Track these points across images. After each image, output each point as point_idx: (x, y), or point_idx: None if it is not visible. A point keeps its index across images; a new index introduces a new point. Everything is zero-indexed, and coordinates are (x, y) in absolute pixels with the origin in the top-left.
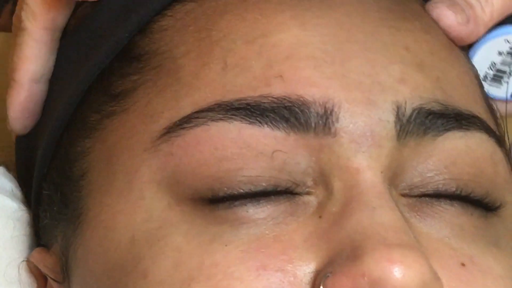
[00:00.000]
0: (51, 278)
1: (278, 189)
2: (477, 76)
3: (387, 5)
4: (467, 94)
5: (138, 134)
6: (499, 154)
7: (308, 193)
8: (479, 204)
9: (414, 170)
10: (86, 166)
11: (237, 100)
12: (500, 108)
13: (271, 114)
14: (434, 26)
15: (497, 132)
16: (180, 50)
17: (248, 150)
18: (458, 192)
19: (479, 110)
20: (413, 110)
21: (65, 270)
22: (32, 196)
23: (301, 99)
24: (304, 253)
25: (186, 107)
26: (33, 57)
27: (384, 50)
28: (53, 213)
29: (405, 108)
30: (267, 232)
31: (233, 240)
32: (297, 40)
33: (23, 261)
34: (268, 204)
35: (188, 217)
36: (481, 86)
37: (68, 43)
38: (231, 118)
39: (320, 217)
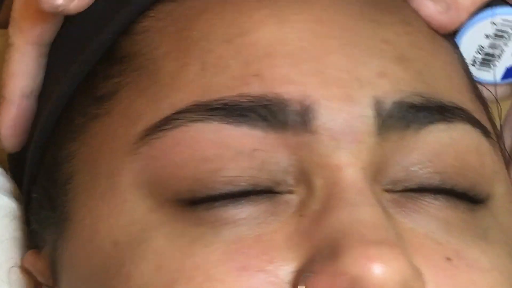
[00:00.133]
0: (42, 282)
1: (259, 188)
2: (464, 65)
3: None
4: (451, 85)
5: (119, 137)
6: (485, 145)
7: (289, 192)
8: (464, 197)
9: (397, 164)
10: (72, 170)
11: (215, 100)
12: (493, 92)
13: (249, 113)
14: (416, 17)
15: (483, 123)
16: (160, 51)
17: (227, 150)
18: (443, 185)
19: (464, 100)
20: (394, 104)
21: (54, 274)
22: (23, 200)
23: (279, 97)
24: (285, 253)
25: (165, 109)
26: (21, 73)
27: (363, 45)
28: (42, 217)
29: (385, 103)
30: (248, 232)
31: (214, 242)
32: (275, 38)
33: (12, 267)
34: (249, 204)
35: (169, 219)
36: (468, 75)
37: (54, 45)
38: (209, 118)
39: (301, 215)
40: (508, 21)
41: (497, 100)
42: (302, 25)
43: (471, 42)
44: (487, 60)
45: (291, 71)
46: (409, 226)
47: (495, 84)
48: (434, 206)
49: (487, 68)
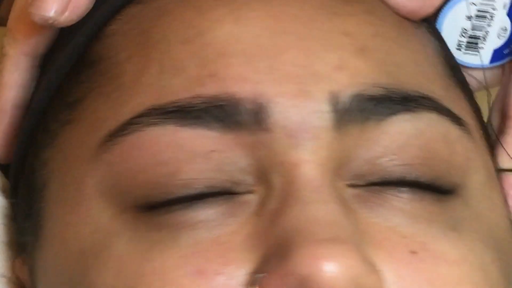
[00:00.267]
0: None
1: (216, 190)
2: (442, 51)
3: None
4: (419, 74)
5: (85, 144)
6: (455, 133)
7: (249, 192)
8: (431, 188)
9: (360, 158)
10: (46, 177)
11: (171, 103)
12: (480, 78)
13: (204, 115)
14: (381, 6)
15: (458, 110)
16: (124, 55)
17: (183, 153)
18: (407, 177)
19: (433, 89)
20: (351, 97)
21: (33, 284)
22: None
23: (232, 96)
24: (242, 254)
25: (126, 114)
26: (14, 84)
27: (321, 38)
28: (21, 225)
29: (342, 96)
30: (205, 235)
31: (172, 246)
32: (231, 36)
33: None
34: (207, 206)
35: (131, 225)
36: (448, 61)
37: None
38: (165, 121)
39: (260, 215)
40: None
41: (486, 88)
42: (260, 22)
43: (453, 26)
44: (473, 43)
45: (246, 69)
46: (374, 220)
47: (483, 68)
48: (399, 199)
49: (474, 52)
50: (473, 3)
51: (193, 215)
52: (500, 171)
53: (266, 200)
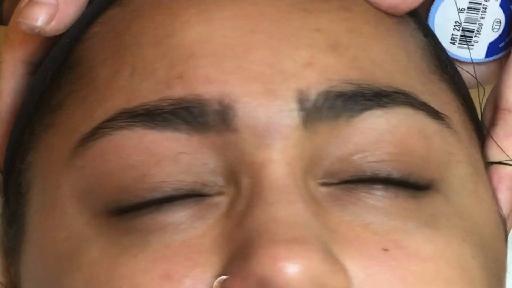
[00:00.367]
0: None
1: (186, 192)
2: (423, 46)
3: None
4: (396, 69)
5: (61, 148)
6: (433, 127)
7: (220, 193)
8: (404, 184)
9: (332, 156)
10: (30, 181)
11: (140, 106)
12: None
13: (171, 117)
14: (358, 2)
15: (439, 104)
16: (99, 58)
17: (151, 156)
18: (379, 174)
19: (411, 83)
20: (319, 95)
21: None
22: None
23: (198, 98)
24: (210, 257)
25: (98, 118)
26: (10, 90)
27: (291, 36)
28: (7, 230)
29: (309, 94)
30: (174, 238)
31: (142, 250)
32: (200, 37)
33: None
34: (176, 209)
35: (103, 230)
36: (431, 57)
37: None
38: (133, 125)
39: (228, 217)
40: None
41: (478, 82)
42: (229, 22)
43: (446, 19)
44: (467, 37)
45: (213, 70)
46: (347, 219)
47: (472, 63)
48: (373, 196)
49: (468, 46)
50: None
51: (162, 218)
52: (489, 164)
53: (235, 202)
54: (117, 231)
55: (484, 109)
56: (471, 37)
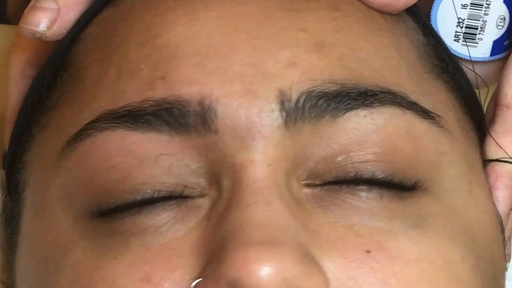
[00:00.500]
0: None
1: (167, 194)
2: (419, 45)
3: None
4: (385, 68)
5: (51, 149)
6: (422, 127)
7: (202, 195)
8: (390, 185)
9: (316, 157)
10: (25, 180)
11: (122, 107)
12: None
13: (153, 118)
14: (350, 0)
15: (431, 104)
16: (90, 59)
17: (133, 157)
18: (363, 175)
19: (401, 83)
20: (301, 95)
21: None
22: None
23: (179, 99)
24: (189, 259)
25: (84, 120)
26: (20, 93)
27: (276, 35)
28: (6, 230)
29: (290, 94)
30: (155, 240)
31: (122, 253)
32: (183, 38)
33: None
34: (158, 211)
35: (88, 232)
36: (427, 55)
37: None
38: (115, 126)
39: (209, 219)
40: None
41: (476, 79)
42: (214, 22)
43: (448, 17)
44: (471, 34)
45: (194, 71)
46: (330, 220)
47: (471, 61)
48: (357, 197)
49: (472, 43)
50: None
51: (143, 221)
52: (487, 161)
53: (216, 204)
54: (99, 233)
55: (487, 106)
56: (475, 34)
